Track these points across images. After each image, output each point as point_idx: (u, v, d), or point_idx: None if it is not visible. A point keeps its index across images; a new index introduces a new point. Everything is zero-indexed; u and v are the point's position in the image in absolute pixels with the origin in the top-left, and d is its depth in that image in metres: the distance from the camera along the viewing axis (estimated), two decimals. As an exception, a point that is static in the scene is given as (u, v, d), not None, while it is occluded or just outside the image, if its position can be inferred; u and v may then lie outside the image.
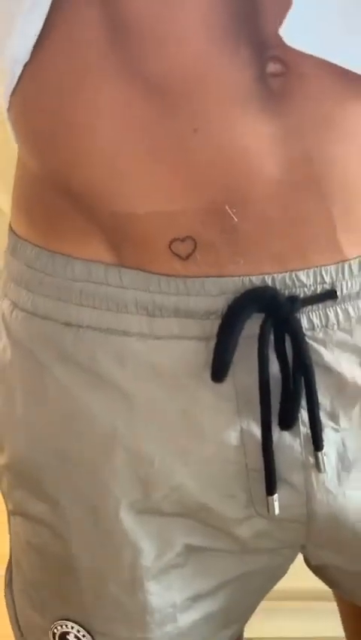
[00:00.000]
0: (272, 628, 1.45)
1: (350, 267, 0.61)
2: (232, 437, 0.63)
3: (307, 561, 0.76)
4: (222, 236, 0.59)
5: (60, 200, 0.63)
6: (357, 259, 0.62)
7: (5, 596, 0.81)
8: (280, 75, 0.55)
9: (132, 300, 0.61)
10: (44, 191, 0.65)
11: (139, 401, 0.64)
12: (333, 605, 0.93)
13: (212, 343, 0.60)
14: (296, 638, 1.47)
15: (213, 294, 0.60)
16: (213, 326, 0.60)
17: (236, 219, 0.58)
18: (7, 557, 0.82)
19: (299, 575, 0.80)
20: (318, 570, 0.78)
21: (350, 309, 0.62)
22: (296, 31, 0.53)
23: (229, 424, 0.63)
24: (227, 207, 0.58)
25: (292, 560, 0.76)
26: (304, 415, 0.63)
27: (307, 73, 0.55)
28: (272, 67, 0.54)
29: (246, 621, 0.82)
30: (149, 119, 0.57)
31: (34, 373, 0.67)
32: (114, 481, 0.65)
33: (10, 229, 0.71)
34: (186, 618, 0.71)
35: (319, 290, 0.61)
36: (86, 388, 0.64)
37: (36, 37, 0.59)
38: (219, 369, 0.60)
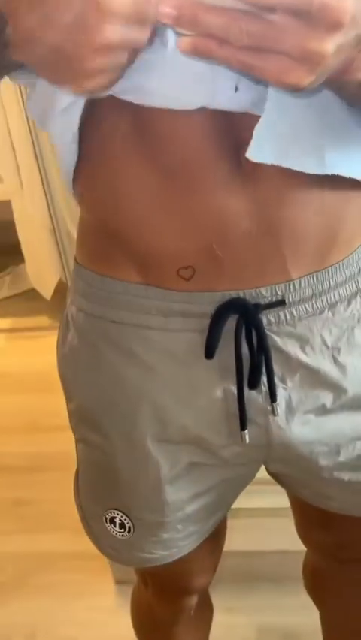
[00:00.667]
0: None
1: (294, 285, 0.67)
2: (218, 393, 0.70)
3: (267, 469, 0.82)
4: (211, 265, 0.65)
5: (106, 240, 0.69)
6: (298, 280, 0.67)
7: (74, 494, 0.88)
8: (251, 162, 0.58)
9: (154, 306, 0.68)
10: (96, 234, 0.71)
11: (158, 371, 0.70)
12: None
13: (205, 334, 0.67)
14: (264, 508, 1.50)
15: (206, 303, 0.67)
16: (206, 323, 0.67)
17: (221, 254, 0.64)
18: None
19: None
20: (274, 475, 0.84)
21: (294, 311, 0.68)
22: (257, 151, 0.57)
23: (216, 385, 0.70)
24: (215, 247, 0.64)
25: (257, 470, 0.82)
26: (264, 379, 0.69)
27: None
28: (245, 158, 0.58)
29: (228, 509, 0.88)
30: (164, 190, 0.61)
31: (91, 353, 0.73)
32: (143, 422, 0.72)
33: (75, 258, 0.76)
34: (190, 507, 0.79)
35: (274, 299, 0.67)
36: (124, 363, 0.71)
37: (76, 138, 0.61)
38: (209, 351, 0.67)
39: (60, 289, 2.28)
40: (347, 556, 0.95)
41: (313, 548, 1.03)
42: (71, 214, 2.07)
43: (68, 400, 0.80)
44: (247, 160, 0.58)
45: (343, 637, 1.18)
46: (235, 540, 0.97)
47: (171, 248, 0.65)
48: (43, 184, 1.74)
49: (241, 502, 0.91)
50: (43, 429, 2.08)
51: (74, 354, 0.76)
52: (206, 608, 1.12)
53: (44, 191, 1.79)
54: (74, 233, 2.17)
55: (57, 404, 2.12)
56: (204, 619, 1.13)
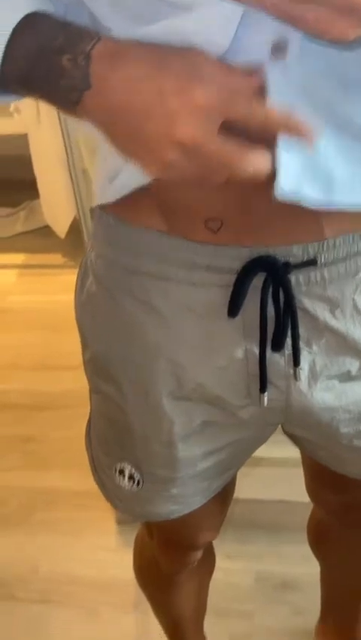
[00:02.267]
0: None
1: (327, 244, 0.64)
2: (239, 353, 0.68)
3: (283, 430, 0.81)
4: (240, 218, 0.63)
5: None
6: (332, 239, 0.64)
7: (86, 444, 0.88)
8: None
9: (178, 258, 0.66)
10: None
11: (177, 325, 0.68)
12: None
13: (230, 291, 0.65)
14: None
15: (233, 258, 0.64)
16: (231, 279, 0.64)
17: (251, 207, 0.61)
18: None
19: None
20: (290, 436, 0.83)
21: (325, 273, 0.65)
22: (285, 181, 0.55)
23: (237, 345, 0.68)
24: (245, 198, 0.61)
25: (272, 432, 0.81)
26: (288, 341, 0.67)
27: None
28: None
29: (239, 468, 0.87)
30: None
31: (109, 301, 0.71)
32: (159, 377, 0.71)
33: (97, 202, 0.72)
34: (202, 465, 0.78)
35: (305, 259, 0.64)
36: (143, 314, 0.69)
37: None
38: (233, 309, 0.65)
39: (75, 228, 2.24)
40: (354, 518, 0.95)
41: (321, 506, 1.04)
42: (88, 150, 2.02)
43: (84, 348, 0.79)
44: None
45: (341, 594, 1.21)
46: (238, 488, 0.96)
47: (200, 197, 0.62)
48: (60, 118, 1.69)
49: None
50: (52, 367, 2.09)
51: (92, 301, 0.74)
52: (209, 558, 1.13)
53: (61, 125, 1.73)
54: (91, 172, 2.12)
55: (66, 343, 2.12)
56: (207, 570, 1.15)
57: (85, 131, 0.62)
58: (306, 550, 1.20)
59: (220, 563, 1.18)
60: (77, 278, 0.77)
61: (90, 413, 0.85)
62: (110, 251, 0.71)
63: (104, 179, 0.68)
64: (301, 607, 1.43)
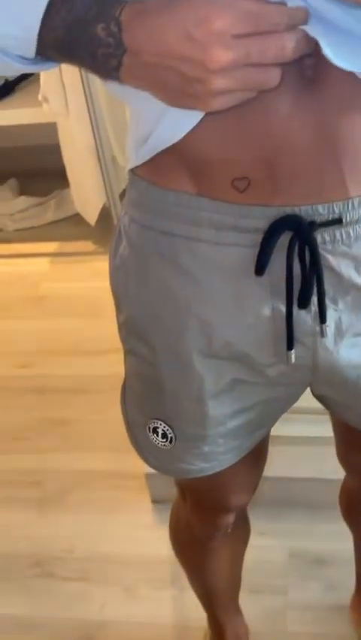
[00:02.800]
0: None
1: (352, 203, 0.65)
2: (266, 311, 0.70)
3: (312, 391, 0.82)
4: (267, 178, 0.63)
5: (164, 150, 0.66)
6: (358, 197, 0.65)
7: (121, 404, 0.90)
8: (312, 66, 0.58)
9: (206, 218, 0.67)
10: None
11: (205, 284, 0.70)
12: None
13: (257, 250, 0.66)
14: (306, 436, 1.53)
15: (260, 217, 0.65)
16: (258, 238, 0.65)
17: (277, 166, 0.63)
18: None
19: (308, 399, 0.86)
20: (319, 397, 0.84)
21: (351, 231, 0.66)
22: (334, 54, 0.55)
23: (264, 303, 0.69)
24: (271, 158, 0.62)
25: (301, 392, 0.82)
26: (314, 299, 0.68)
27: (331, 69, 0.56)
28: (307, 60, 0.57)
29: (270, 428, 0.89)
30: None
31: (142, 264, 0.73)
32: (189, 336, 0.73)
33: (130, 169, 0.74)
34: (232, 423, 0.79)
35: (330, 217, 0.65)
36: (173, 276, 0.71)
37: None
38: (260, 267, 0.66)
39: (104, 215, 2.27)
40: None
41: (352, 472, 1.04)
42: (116, 138, 2.04)
43: (119, 311, 0.80)
44: (309, 67, 0.58)
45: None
46: (271, 466, 0.98)
47: (227, 156, 0.63)
48: (88, 106, 1.71)
49: (278, 429, 0.92)
50: (86, 352, 2.11)
51: (125, 265, 0.76)
52: (243, 528, 1.14)
53: (90, 114, 1.75)
54: (120, 159, 2.14)
55: (99, 329, 2.16)
56: (241, 538, 1.16)
57: (113, 117, 0.64)
58: (339, 527, 1.21)
59: (253, 540, 1.20)
60: (112, 243, 0.79)
61: (125, 374, 0.86)
62: (142, 214, 0.72)
63: (136, 144, 0.70)
64: (335, 582, 1.44)
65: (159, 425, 0.82)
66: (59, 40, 0.57)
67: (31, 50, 0.58)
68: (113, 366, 0.88)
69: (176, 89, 0.56)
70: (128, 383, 0.86)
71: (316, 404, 0.87)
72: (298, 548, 1.52)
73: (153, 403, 0.82)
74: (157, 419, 0.81)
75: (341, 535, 1.25)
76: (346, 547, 1.26)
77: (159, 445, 0.83)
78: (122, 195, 0.77)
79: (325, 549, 1.50)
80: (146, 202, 0.71)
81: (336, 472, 1.08)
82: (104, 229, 2.34)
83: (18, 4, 0.57)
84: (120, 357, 0.85)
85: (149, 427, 0.83)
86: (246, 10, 0.52)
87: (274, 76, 0.55)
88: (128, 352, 0.82)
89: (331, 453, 1.03)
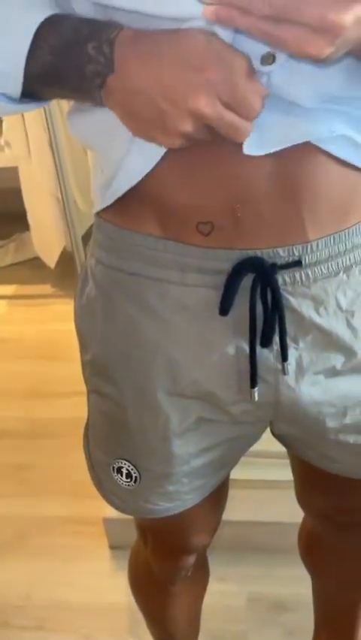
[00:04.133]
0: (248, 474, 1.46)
1: (311, 246, 0.67)
2: (231, 350, 0.71)
3: (272, 431, 0.83)
4: (230, 222, 0.65)
5: (126, 192, 0.68)
6: (316, 241, 0.67)
7: (83, 443, 0.89)
8: None
9: (172, 260, 0.68)
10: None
11: (173, 324, 0.71)
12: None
13: (221, 291, 0.67)
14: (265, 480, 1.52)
15: (223, 260, 0.67)
16: (222, 280, 0.67)
17: (240, 213, 0.65)
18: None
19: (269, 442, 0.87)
20: (279, 437, 0.85)
21: (310, 273, 0.68)
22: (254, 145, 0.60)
23: (228, 342, 0.70)
24: (234, 204, 0.64)
25: (263, 430, 0.83)
26: (276, 338, 0.70)
27: None
28: None
29: (232, 467, 0.89)
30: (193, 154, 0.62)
31: (108, 304, 0.74)
32: (155, 374, 0.73)
33: (96, 213, 0.76)
34: (197, 462, 0.80)
35: (290, 260, 0.67)
36: (140, 315, 0.71)
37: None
38: (224, 308, 0.67)
39: (64, 258, 2.28)
40: (346, 522, 0.96)
41: (312, 513, 1.04)
42: (78, 183, 2.07)
43: (84, 351, 0.81)
44: None
45: (335, 607, 1.20)
46: (230, 510, 0.98)
47: (191, 202, 0.65)
48: (53, 150, 1.74)
49: (237, 473, 0.93)
50: (45, 395, 2.10)
51: (91, 305, 0.77)
52: (203, 571, 1.13)
53: (53, 158, 1.78)
54: (80, 203, 2.17)
55: (57, 371, 2.15)
56: (200, 582, 1.15)
57: (75, 161, 0.66)
58: (298, 571, 1.21)
59: (212, 585, 1.19)
60: (77, 285, 0.80)
61: (88, 414, 0.86)
62: (109, 256, 0.73)
63: (101, 187, 0.71)
64: (295, 628, 1.43)
65: (123, 465, 0.81)
66: (46, 66, 0.58)
67: (17, 85, 0.59)
68: (72, 409, 0.89)
69: (147, 120, 0.58)
70: (91, 423, 0.86)
71: (275, 448, 0.88)
72: (257, 593, 1.51)
73: (117, 443, 0.81)
74: (122, 459, 0.81)
75: (300, 580, 1.24)
76: (305, 591, 1.25)
77: (123, 485, 0.83)
78: (84, 238, 0.78)
79: (284, 594, 1.49)
80: (112, 244, 0.73)
81: (294, 515, 1.08)
82: (63, 272, 2.35)
83: (2, 36, 0.58)
84: (79, 400, 0.85)
85: (113, 467, 0.83)
86: (241, 73, 0.55)
87: (243, 133, 0.58)
88: (93, 392, 0.82)
89: (289, 497, 1.03)
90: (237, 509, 1.04)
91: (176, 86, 0.55)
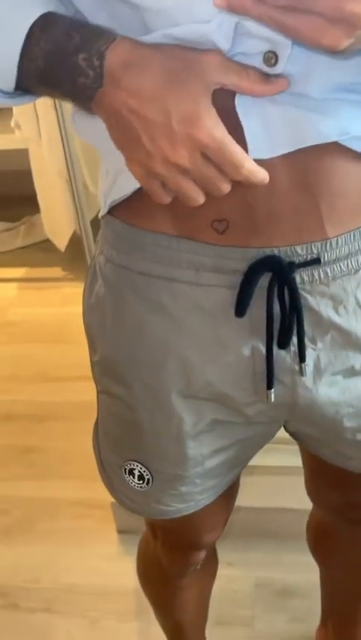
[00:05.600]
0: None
1: (330, 243, 0.65)
2: (246, 351, 0.69)
3: (285, 428, 0.82)
4: (246, 220, 0.64)
5: (142, 191, 0.64)
6: (335, 238, 0.65)
7: (93, 444, 0.88)
8: None
9: (185, 259, 0.67)
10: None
11: (185, 325, 0.69)
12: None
13: (237, 291, 0.66)
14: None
15: (239, 259, 0.65)
16: (237, 280, 0.65)
17: (256, 209, 0.63)
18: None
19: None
20: (293, 434, 0.84)
21: (329, 271, 0.66)
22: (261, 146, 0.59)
23: (244, 343, 0.69)
24: (250, 200, 0.62)
25: (277, 429, 0.82)
26: (293, 339, 0.68)
27: None
28: None
29: (245, 466, 0.88)
30: None
31: (118, 303, 0.72)
32: (168, 375, 0.72)
33: (105, 207, 0.73)
34: (210, 463, 0.78)
35: (309, 258, 0.65)
36: (151, 315, 0.70)
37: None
38: (240, 308, 0.66)
39: (74, 241, 2.26)
40: (357, 516, 0.95)
41: (322, 506, 1.04)
42: (88, 165, 2.04)
43: (93, 351, 0.79)
44: None
45: (342, 596, 1.20)
46: (239, 496, 0.97)
47: (207, 199, 0.62)
48: (61, 133, 1.70)
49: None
50: (53, 379, 2.09)
51: (101, 304, 0.75)
52: (212, 562, 1.13)
53: (62, 140, 1.75)
54: (90, 186, 2.13)
55: (67, 355, 2.13)
56: (210, 572, 1.14)
57: (85, 145, 0.64)
58: (306, 558, 1.20)
59: (221, 570, 1.18)
60: (86, 283, 0.78)
61: (98, 414, 0.85)
62: (119, 254, 0.72)
63: (106, 190, 0.70)
64: (301, 613, 1.43)
65: (135, 467, 0.80)
66: (40, 70, 0.57)
67: (10, 81, 0.58)
68: (82, 393, 0.87)
69: (125, 147, 0.57)
70: (101, 424, 0.85)
71: (283, 433, 0.86)
72: (264, 579, 1.51)
73: (129, 444, 0.80)
74: (134, 460, 0.80)
75: (308, 567, 1.24)
76: (312, 578, 1.24)
77: (135, 486, 0.82)
78: (94, 222, 0.76)
79: (291, 579, 1.49)
80: (122, 243, 0.71)
81: (303, 502, 1.07)
82: (73, 255, 2.32)
83: None
84: (88, 384, 0.83)
85: (125, 469, 0.81)
86: (227, 142, 0.54)
87: (199, 198, 0.58)
88: (102, 392, 0.81)
89: (298, 483, 1.03)
90: (246, 496, 1.03)
91: (160, 130, 0.54)
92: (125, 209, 0.70)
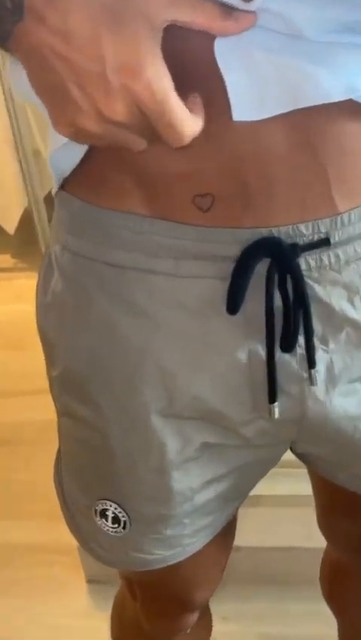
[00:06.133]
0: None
1: (341, 219, 0.65)
2: (242, 356, 0.69)
3: (292, 450, 0.82)
4: (236, 193, 0.63)
5: (104, 160, 0.66)
6: (347, 213, 0.65)
7: (55, 480, 0.87)
8: None
9: (162, 245, 0.66)
10: (88, 149, 0.67)
11: (165, 326, 0.69)
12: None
13: (227, 282, 0.65)
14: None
15: (229, 242, 0.65)
16: (228, 268, 0.65)
17: (249, 179, 0.62)
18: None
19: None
20: (301, 456, 0.84)
21: (340, 253, 0.67)
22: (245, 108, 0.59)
23: (239, 346, 0.68)
24: (241, 168, 0.62)
25: (283, 452, 0.82)
26: (300, 339, 0.68)
27: None
28: None
29: (244, 499, 0.88)
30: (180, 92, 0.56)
31: (81, 303, 0.71)
32: (145, 391, 0.71)
33: (59, 183, 0.73)
34: (201, 498, 0.78)
35: (315, 239, 0.65)
36: (122, 314, 0.69)
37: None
38: (233, 303, 0.65)
39: (26, 222, 2.25)
40: None
41: (338, 543, 1.04)
42: (39, 127, 2.02)
43: (50, 363, 0.79)
44: None
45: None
46: (237, 533, 0.97)
47: (185, 168, 0.63)
48: (4, 92, 1.70)
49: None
50: (9, 394, 2.08)
51: (59, 304, 0.74)
52: (204, 617, 1.12)
53: (6, 100, 1.74)
54: (44, 152, 2.11)
55: (23, 363, 2.12)
56: (202, 631, 1.14)
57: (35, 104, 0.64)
58: (318, 607, 1.20)
59: (214, 625, 1.18)
60: (39, 277, 0.78)
61: (60, 442, 0.84)
62: (79, 241, 0.71)
63: (57, 153, 0.69)
64: None
65: (108, 507, 0.80)
66: None
67: None
68: (43, 410, 0.87)
69: (48, 95, 0.56)
70: (64, 454, 0.84)
71: (291, 455, 0.86)
72: (267, 635, 1.52)
73: (100, 480, 0.79)
74: (106, 499, 0.79)
75: (321, 618, 1.24)
76: (326, 632, 1.24)
77: (109, 531, 0.81)
78: (48, 199, 0.75)
79: (300, 635, 1.49)
80: (82, 226, 0.71)
81: (315, 539, 1.08)
82: (25, 239, 2.31)
83: None
84: (50, 399, 0.83)
85: (95, 510, 0.81)
86: (170, 101, 0.53)
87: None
88: (64, 415, 0.80)
89: (308, 515, 1.03)
90: (245, 533, 1.02)
91: (94, 80, 0.53)
92: (82, 183, 0.69)
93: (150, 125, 0.55)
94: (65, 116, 0.56)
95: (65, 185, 0.72)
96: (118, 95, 0.53)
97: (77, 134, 0.57)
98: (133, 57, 0.52)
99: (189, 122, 0.55)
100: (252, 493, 0.88)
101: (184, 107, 0.54)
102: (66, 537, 0.92)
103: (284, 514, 1.51)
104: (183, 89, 0.55)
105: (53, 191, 0.74)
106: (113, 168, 0.66)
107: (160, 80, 0.53)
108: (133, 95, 0.53)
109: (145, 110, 0.54)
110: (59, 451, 0.86)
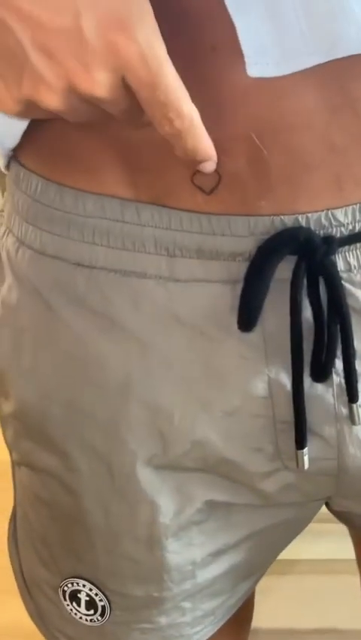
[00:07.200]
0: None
1: None
2: (259, 388, 0.71)
3: (328, 506, 0.84)
4: (250, 168, 0.65)
5: (71, 125, 0.64)
6: None
7: (9, 549, 0.89)
8: None
9: (150, 238, 0.68)
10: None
11: (156, 349, 0.71)
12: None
13: (239, 287, 0.67)
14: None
15: (241, 234, 0.67)
16: (240, 269, 0.67)
17: (265, 150, 0.64)
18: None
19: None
20: (338, 514, 0.86)
21: None
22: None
23: (255, 374, 0.71)
24: (256, 137, 0.63)
25: (316, 512, 0.84)
26: (338, 363, 0.70)
27: None
28: None
29: (262, 574, 0.90)
30: (173, 40, 0.57)
31: (43, 317, 0.73)
32: (130, 434, 0.73)
33: (12, 155, 0.74)
34: (206, 574, 0.80)
35: (357, 229, 0.67)
36: (99, 334, 0.71)
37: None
38: (247, 316, 0.67)
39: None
40: None
41: None
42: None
43: (2, 396, 0.80)
44: None
45: None
46: (256, 611, 1.01)
47: None
48: None
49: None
50: None
51: (13, 317, 0.76)
52: None
53: None
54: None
55: None
56: None
57: None
58: None
59: None
60: None
61: (16, 501, 0.86)
62: (40, 234, 0.73)
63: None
64: None
65: (81, 588, 0.82)
66: None
67: None
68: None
69: (8, 67, 0.57)
70: (22, 518, 0.86)
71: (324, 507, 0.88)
72: None
73: (69, 552, 0.81)
74: (78, 578, 0.81)
75: None
76: None
77: (83, 620, 0.83)
78: None
79: None
80: (45, 214, 0.73)
81: (356, 618, 1.14)
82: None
83: None
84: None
85: (64, 592, 0.82)
86: (165, 69, 0.55)
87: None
88: (22, 464, 0.82)
89: (350, 586, 1.08)
90: (266, 611, 1.02)
91: (68, 43, 0.54)
92: (42, 154, 0.72)
93: (134, 103, 0.56)
94: (18, 92, 0.57)
95: (18, 155, 0.73)
96: (100, 60, 0.54)
97: (26, 112, 0.58)
98: (118, 11, 0.53)
99: (188, 102, 0.56)
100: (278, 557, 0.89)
101: (182, 83, 0.55)
102: (26, 619, 0.95)
103: (316, 585, 1.54)
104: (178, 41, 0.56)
105: (1, 165, 0.76)
106: (85, 136, 0.68)
107: (153, 41, 0.54)
108: (120, 58, 0.53)
109: (132, 82, 0.55)
110: (13, 513, 0.87)
